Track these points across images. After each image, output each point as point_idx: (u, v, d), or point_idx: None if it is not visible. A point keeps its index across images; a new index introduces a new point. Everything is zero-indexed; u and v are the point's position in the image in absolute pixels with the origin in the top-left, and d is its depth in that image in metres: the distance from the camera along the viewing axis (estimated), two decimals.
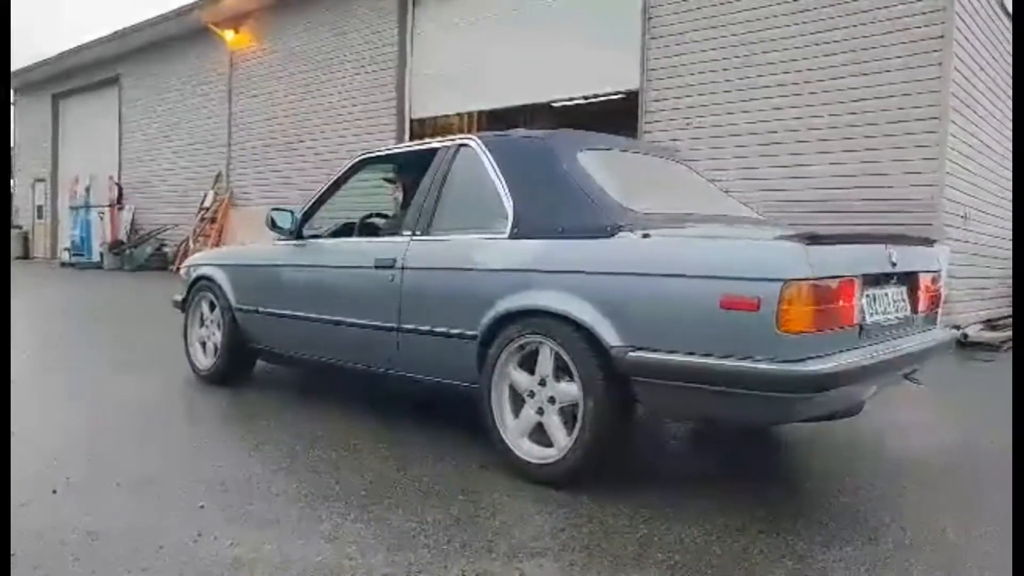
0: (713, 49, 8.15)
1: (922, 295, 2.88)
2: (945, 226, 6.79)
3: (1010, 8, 8.26)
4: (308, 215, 3.97)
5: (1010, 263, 8.64)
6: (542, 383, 2.72)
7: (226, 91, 14.73)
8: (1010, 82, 8.51)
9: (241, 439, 3.35)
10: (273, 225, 3.95)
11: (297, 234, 3.94)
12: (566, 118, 10.93)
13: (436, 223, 3.25)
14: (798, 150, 7.55)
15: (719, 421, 3.29)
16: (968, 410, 4.41)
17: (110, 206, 16.67)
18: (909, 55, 6.93)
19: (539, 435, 2.74)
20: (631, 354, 2.46)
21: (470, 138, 3.31)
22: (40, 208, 20.71)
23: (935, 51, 6.82)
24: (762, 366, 2.21)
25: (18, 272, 13.98)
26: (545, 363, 2.70)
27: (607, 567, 2.04)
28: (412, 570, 1.98)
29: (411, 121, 11.66)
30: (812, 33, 7.49)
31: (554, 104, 10.58)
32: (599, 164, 3.04)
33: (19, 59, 22.50)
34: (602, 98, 9.80)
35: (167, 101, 16.25)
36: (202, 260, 4.65)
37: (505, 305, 2.79)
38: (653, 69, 8.66)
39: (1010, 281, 8.40)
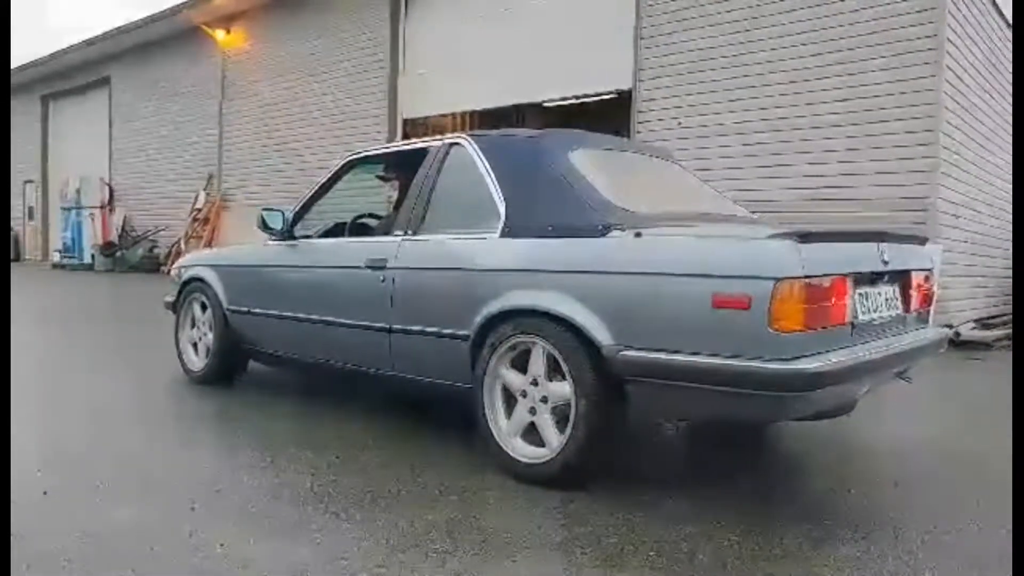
0: (702, 49, 8.17)
1: (914, 293, 2.89)
2: (939, 224, 6.82)
3: (1003, 8, 8.29)
4: (299, 215, 3.95)
5: (1004, 261, 8.68)
6: (534, 383, 2.71)
7: (218, 92, 14.68)
8: (1005, 81, 8.55)
9: (233, 440, 3.34)
10: (264, 226, 3.93)
11: (288, 235, 3.93)
12: (558, 118, 10.94)
13: (427, 223, 3.24)
14: (800, 148, 7.56)
15: (711, 420, 3.29)
16: (960, 409, 4.43)
17: (101, 207, 16.61)
18: (894, 55, 6.97)
19: (532, 435, 2.73)
20: (623, 353, 2.45)
21: (461, 137, 3.29)
22: (31, 210, 20.61)
23: (930, 50, 6.85)
24: (754, 364, 2.21)
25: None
26: (537, 363, 2.69)
27: (600, 566, 2.03)
28: (405, 570, 1.97)
29: (403, 121, 11.66)
30: (801, 32, 7.52)
31: (546, 104, 10.59)
32: (591, 163, 3.03)
33: None
34: (594, 97, 9.81)
35: (158, 102, 16.18)
36: (193, 261, 4.63)
37: (497, 305, 2.78)
38: (643, 69, 8.67)
39: (1006, 280, 8.44)
